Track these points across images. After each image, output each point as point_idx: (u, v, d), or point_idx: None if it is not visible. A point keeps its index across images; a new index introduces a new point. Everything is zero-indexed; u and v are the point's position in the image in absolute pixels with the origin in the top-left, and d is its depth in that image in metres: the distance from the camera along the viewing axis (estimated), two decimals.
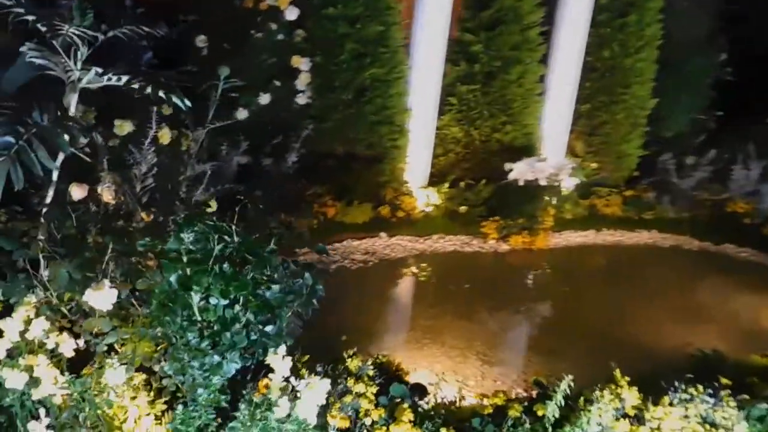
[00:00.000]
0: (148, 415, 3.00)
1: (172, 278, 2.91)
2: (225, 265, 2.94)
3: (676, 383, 3.83)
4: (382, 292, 6.00)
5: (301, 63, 6.88)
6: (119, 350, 3.18)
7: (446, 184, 7.56)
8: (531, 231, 7.39)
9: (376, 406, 3.48)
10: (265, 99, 6.70)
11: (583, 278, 7.09)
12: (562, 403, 3.45)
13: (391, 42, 6.89)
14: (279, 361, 2.87)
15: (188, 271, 2.92)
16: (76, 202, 3.69)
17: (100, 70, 3.41)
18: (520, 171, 7.18)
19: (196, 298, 2.92)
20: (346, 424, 3.17)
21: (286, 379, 2.87)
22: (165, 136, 4.31)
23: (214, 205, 4.41)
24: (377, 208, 7.13)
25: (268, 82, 6.81)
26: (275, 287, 3.22)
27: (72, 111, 3.48)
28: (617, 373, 3.80)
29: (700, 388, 3.76)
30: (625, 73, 8.05)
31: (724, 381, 3.95)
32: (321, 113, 6.90)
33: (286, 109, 6.91)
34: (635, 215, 8.36)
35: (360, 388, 3.41)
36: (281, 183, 6.60)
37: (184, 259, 2.93)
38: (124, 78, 3.44)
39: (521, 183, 7.20)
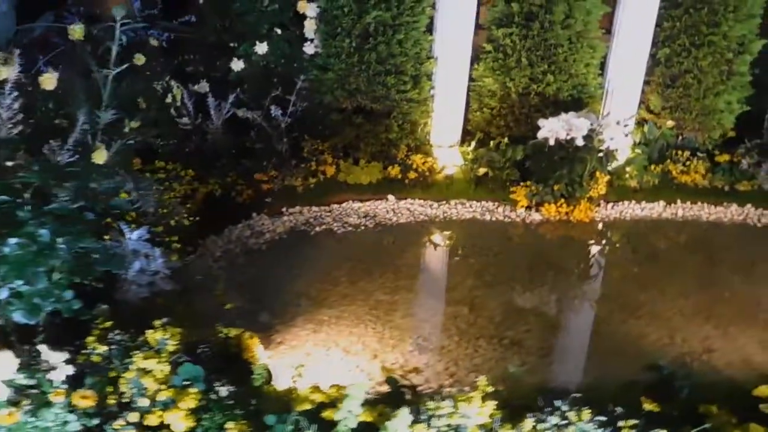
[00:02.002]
0: None
1: None
2: None
3: (559, 403, 2.88)
4: (350, 260, 5.38)
5: (308, 8, 6.35)
6: None
7: (472, 144, 6.65)
8: (570, 200, 6.29)
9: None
10: (262, 48, 6.29)
11: (623, 259, 5.88)
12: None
13: None
14: None
15: None
16: None
17: None
18: (551, 128, 6.07)
19: None
20: (88, 402, 2.76)
21: None
22: (47, 80, 4.10)
23: (101, 156, 4.11)
24: (387, 168, 6.48)
25: (270, 30, 6.39)
26: (12, 242, 2.86)
27: None
28: (483, 380, 2.95)
29: (586, 412, 2.78)
30: (714, 8, 6.45)
31: (648, 407, 2.91)
32: (324, 63, 6.34)
33: (289, 58, 6.46)
34: (726, 186, 6.82)
35: (149, 363, 2.96)
36: (273, 137, 6.20)
37: None
38: None
39: (551, 142, 6.08)
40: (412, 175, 6.46)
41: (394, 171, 6.46)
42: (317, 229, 5.88)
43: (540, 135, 6.13)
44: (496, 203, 6.44)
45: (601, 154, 6.30)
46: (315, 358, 4.11)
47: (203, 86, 6.39)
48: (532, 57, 6.45)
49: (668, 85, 6.81)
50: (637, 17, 6.56)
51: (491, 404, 2.85)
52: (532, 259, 5.64)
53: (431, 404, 2.81)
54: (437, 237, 5.95)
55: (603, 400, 3.11)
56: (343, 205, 6.24)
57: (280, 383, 3.61)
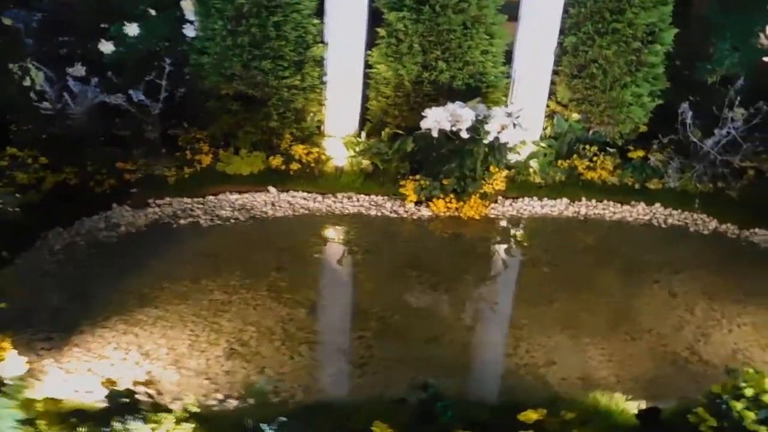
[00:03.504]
0: None
1: None
2: None
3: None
4: (203, 255, 5.02)
5: None
6: None
7: (361, 135, 6.28)
8: (462, 195, 5.92)
9: None
10: (132, 30, 5.93)
11: (501, 261, 5.45)
12: None
13: None
14: None
15: None
16: None
17: None
18: (435, 118, 5.68)
19: None
20: None
21: None
22: None
23: None
24: (270, 159, 6.11)
25: (143, 11, 6.03)
26: None
27: None
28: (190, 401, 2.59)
29: None
30: None
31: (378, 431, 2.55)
32: (201, 46, 5.97)
33: (173, 42, 6.10)
34: (636, 183, 6.42)
35: None
36: (144, 125, 5.84)
37: None
38: None
39: (435, 134, 5.70)
40: (294, 166, 6.10)
41: (276, 161, 6.10)
42: (182, 222, 5.52)
43: (423, 125, 5.75)
44: (386, 197, 6.09)
45: (496, 147, 5.93)
46: (105, 363, 3.77)
47: (78, 69, 6.05)
48: (425, 43, 6.06)
49: (575, 75, 6.40)
50: (542, 2, 6.17)
51: (188, 427, 2.50)
52: (402, 258, 5.26)
53: (118, 426, 2.46)
54: (308, 233, 5.58)
55: (366, 419, 2.76)
56: (220, 196, 5.89)
57: (50, 389, 3.30)
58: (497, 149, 5.91)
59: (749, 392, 2.84)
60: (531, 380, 3.78)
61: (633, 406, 3.14)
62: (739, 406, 2.80)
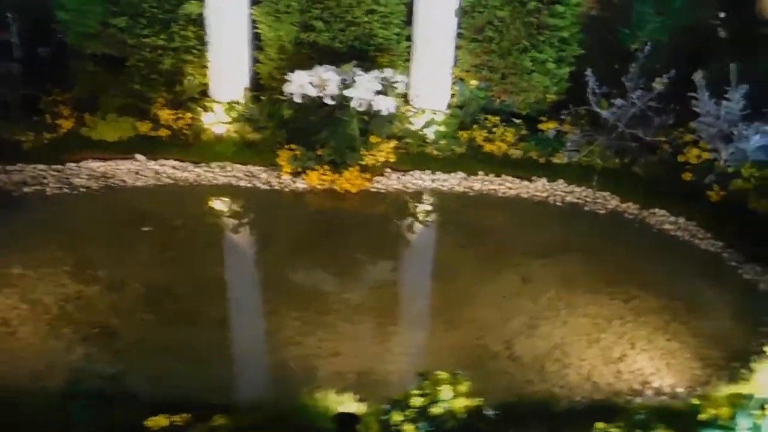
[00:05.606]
0: None
1: None
2: None
3: None
4: (24, 226, 4.66)
5: None
6: None
7: (240, 99, 5.83)
8: (340, 166, 5.44)
9: None
10: None
11: (341, 240, 4.85)
12: None
13: None
14: None
15: None
16: None
17: None
18: (299, 83, 5.20)
19: None
20: None
21: None
22: None
23: None
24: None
25: None
26: None
27: None
28: None
29: None
30: None
31: None
32: (63, 1, 5.60)
33: None
34: (541, 157, 5.83)
35: None
36: None
37: None
38: None
39: (298, 99, 5.22)
40: (163, 132, 5.71)
41: (144, 128, 5.72)
42: (26, 190, 5.17)
43: (286, 90, 5.27)
44: (263, 168, 5.66)
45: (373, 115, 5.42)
46: None
47: None
48: (303, 1, 5.56)
49: (473, 38, 5.81)
50: None
51: None
52: (242, 235, 4.89)
53: None
54: (159, 205, 5.17)
55: None
56: (81, 164, 5.53)
57: None
58: (374, 117, 5.41)
59: (417, 402, 2.38)
60: (294, 374, 3.34)
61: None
62: (398, 417, 2.35)
